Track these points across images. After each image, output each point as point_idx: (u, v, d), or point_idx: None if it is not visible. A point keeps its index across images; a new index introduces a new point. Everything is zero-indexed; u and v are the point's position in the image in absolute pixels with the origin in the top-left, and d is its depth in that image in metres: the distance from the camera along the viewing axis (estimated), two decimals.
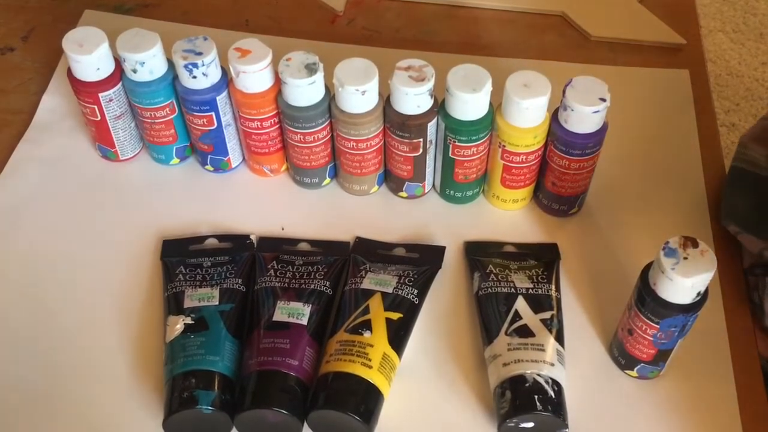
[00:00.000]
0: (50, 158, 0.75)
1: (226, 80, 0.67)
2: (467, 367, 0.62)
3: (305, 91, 0.64)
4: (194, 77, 0.65)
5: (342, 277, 0.65)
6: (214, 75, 0.66)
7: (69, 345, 0.63)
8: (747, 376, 0.62)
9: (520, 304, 0.62)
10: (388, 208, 0.72)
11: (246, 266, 0.65)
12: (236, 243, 0.68)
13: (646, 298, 0.55)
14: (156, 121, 0.70)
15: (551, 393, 0.57)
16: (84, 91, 0.68)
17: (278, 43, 0.68)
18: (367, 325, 0.59)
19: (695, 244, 0.53)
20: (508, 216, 0.71)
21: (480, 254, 0.67)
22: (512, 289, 0.63)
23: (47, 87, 0.80)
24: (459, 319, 0.65)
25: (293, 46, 0.67)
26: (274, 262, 0.65)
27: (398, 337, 0.60)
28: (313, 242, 0.68)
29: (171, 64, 0.67)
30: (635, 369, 0.61)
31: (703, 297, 0.54)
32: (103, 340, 0.63)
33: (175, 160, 0.74)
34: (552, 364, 0.58)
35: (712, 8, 1.77)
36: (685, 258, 0.53)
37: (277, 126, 0.69)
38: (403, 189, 0.71)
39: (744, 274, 0.67)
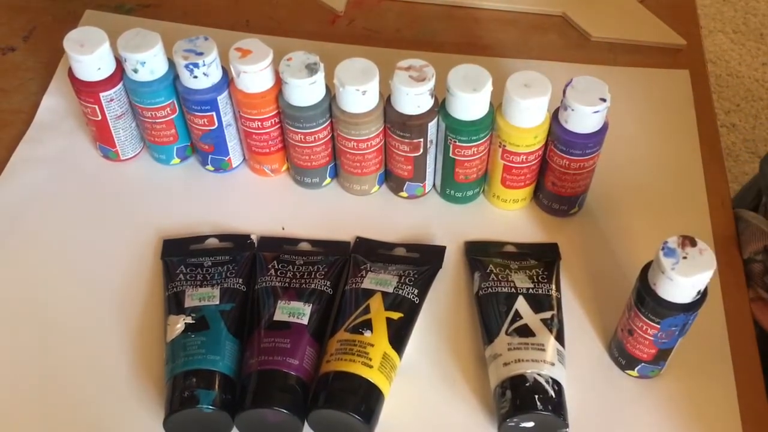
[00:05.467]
0: (51, 158, 0.75)
1: (227, 80, 0.67)
2: (467, 367, 0.62)
3: (306, 91, 0.64)
4: (195, 77, 0.65)
5: (342, 276, 0.65)
6: (215, 75, 0.66)
7: (69, 344, 0.63)
8: (747, 375, 0.62)
9: (521, 304, 0.62)
10: (389, 208, 0.72)
11: (246, 266, 0.65)
12: (237, 243, 0.68)
13: (646, 298, 0.55)
14: (157, 120, 0.70)
15: (551, 392, 0.57)
16: (85, 90, 0.68)
17: (279, 43, 0.68)
18: (368, 325, 0.59)
19: (694, 243, 0.53)
20: (508, 216, 0.71)
21: (480, 254, 0.67)
22: (512, 289, 0.63)
23: (48, 87, 0.80)
24: (459, 318, 0.65)
25: (294, 46, 0.67)
26: (275, 261, 0.65)
27: (399, 336, 0.60)
28: (313, 242, 0.68)
29: (172, 64, 0.67)
30: (636, 369, 0.61)
31: (703, 296, 0.54)
32: (103, 339, 0.63)
33: (176, 160, 0.74)
34: (552, 364, 0.58)
35: (713, 9, 1.77)
36: (685, 257, 0.53)
37: (278, 126, 0.69)
38: (404, 189, 0.71)
39: (744, 264, 0.67)
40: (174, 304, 0.62)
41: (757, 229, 0.68)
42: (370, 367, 0.57)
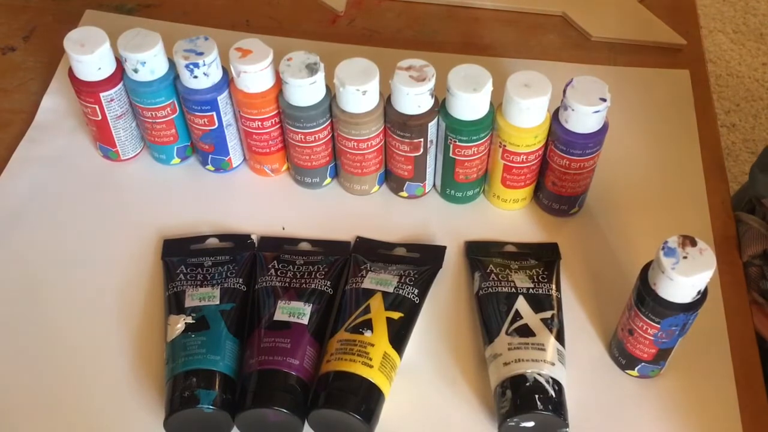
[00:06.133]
0: (51, 158, 0.75)
1: (227, 80, 0.67)
2: (468, 367, 0.62)
3: (306, 91, 0.64)
4: (195, 77, 0.65)
5: (343, 276, 0.65)
6: (215, 75, 0.66)
7: (70, 344, 0.63)
8: (747, 374, 0.62)
9: (521, 304, 0.62)
10: (389, 207, 0.72)
11: (247, 266, 0.65)
12: (237, 242, 0.68)
13: (646, 298, 0.55)
14: (157, 120, 0.70)
15: (552, 392, 0.57)
16: (85, 90, 0.68)
17: (279, 43, 0.68)
18: (368, 325, 0.60)
19: (694, 243, 0.53)
20: (508, 216, 0.71)
21: (480, 254, 0.67)
22: (513, 289, 0.63)
23: (48, 87, 0.80)
24: (459, 318, 0.65)
25: (294, 46, 0.67)
26: (275, 261, 0.65)
27: (399, 336, 0.60)
28: (313, 242, 0.68)
29: (172, 64, 0.67)
30: (636, 368, 0.61)
31: (703, 295, 0.54)
32: (103, 339, 0.63)
33: (176, 160, 0.74)
34: (552, 364, 0.58)
35: (713, 8, 1.77)
36: (685, 257, 0.53)
37: (278, 126, 0.69)
38: (404, 189, 0.71)
39: (744, 267, 0.67)
40: (174, 304, 0.62)
41: (758, 232, 0.68)
42: (371, 367, 0.57)
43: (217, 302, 0.61)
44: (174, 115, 0.70)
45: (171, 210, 0.71)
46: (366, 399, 0.56)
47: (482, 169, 0.69)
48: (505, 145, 0.66)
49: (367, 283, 0.63)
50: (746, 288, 0.67)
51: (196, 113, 0.68)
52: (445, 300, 0.66)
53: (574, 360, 0.61)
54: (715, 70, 1.66)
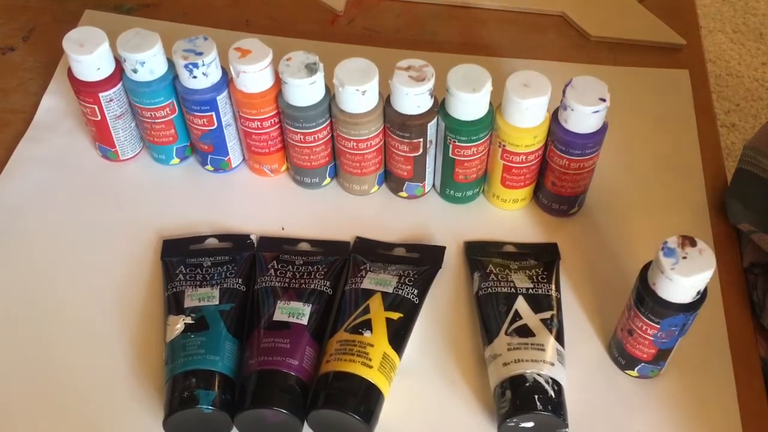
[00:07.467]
0: (50, 158, 0.75)
1: (227, 80, 0.67)
2: (467, 367, 0.62)
3: (305, 91, 0.64)
4: (194, 77, 0.65)
5: (342, 276, 0.65)
6: (215, 75, 0.66)
7: (69, 344, 0.63)
8: (747, 374, 0.62)
9: (520, 304, 0.62)
10: (388, 208, 0.72)
11: (246, 266, 0.65)
12: (236, 243, 0.68)
13: (645, 298, 0.55)
14: (156, 121, 0.70)
15: (551, 393, 0.57)
16: (84, 90, 0.68)
17: (278, 43, 0.68)
18: (368, 325, 0.59)
19: (693, 243, 0.53)
20: (508, 216, 0.71)
21: (480, 254, 0.67)
22: (512, 289, 0.63)
23: (48, 87, 0.80)
24: (459, 318, 0.65)
25: (293, 46, 0.67)
26: (275, 261, 0.65)
27: (398, 336, 0.60)
28: (313, 242, 0.68)
29: (171, 64, 0.67)
30: (635, 369, 0.61)
31: (702, 296, 0.54)
32: (103, 339, 0.63)
33: (176, 160, 0.74)
34: (552, 364, 0.58)
35: (712, 8, 1.77)
36: (684, 257, 0.53)
37: (278, 126, 0.69)
38: (403, 189, 0.71)
39: (744, 273, 0.67)
40: (174, 304, 0.62)
41: (766, 243, 0.67)
42: (370, 367, 0.57)
43: (217, 302, 0.61)
44: (173, 116, 0.70)
45: (170, 210, 0.71)
46: (365, 399, 0.56)
47: (482, 169, 0.69)
48: (504, 145, 0.66)
49: (367, 284, 0.63)
50: (746, 288, 0.67)
51: (196, 113, 0.68)
52: (444, 300, 0.66)
53: (573, 360, 0.61)
54: (715, 70, 1.66)
